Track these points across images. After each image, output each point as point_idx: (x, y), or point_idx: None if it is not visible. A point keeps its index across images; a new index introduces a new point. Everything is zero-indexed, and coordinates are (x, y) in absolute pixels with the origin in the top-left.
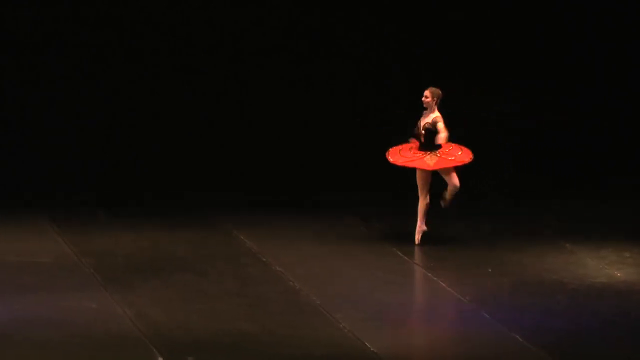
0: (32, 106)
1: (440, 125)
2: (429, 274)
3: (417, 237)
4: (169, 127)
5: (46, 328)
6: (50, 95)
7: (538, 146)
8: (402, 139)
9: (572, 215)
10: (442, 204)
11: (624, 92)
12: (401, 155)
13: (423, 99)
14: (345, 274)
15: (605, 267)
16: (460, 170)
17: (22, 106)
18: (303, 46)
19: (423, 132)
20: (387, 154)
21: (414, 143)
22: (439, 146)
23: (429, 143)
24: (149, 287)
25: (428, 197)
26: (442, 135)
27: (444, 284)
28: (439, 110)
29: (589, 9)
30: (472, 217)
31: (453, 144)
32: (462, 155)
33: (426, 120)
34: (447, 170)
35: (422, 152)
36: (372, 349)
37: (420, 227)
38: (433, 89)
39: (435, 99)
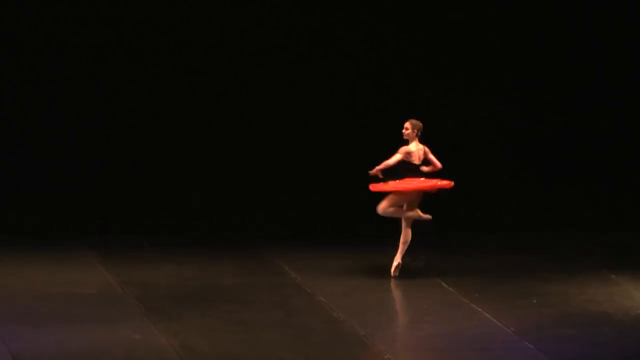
0: (32, 106)
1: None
2: (473, 305)
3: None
4: (169, 127)
5: (91, 359)
6: (50, 95)
7: (538, 146)
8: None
9: (614, 245)
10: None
11: (624, 92)
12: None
13: (403, 130)
14: (389, 304)
15: None
16: (459, 176)
17: (22, 106)
18: (303, 46)
19: (420, 164)
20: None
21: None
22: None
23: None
24: (193, 318)
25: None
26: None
27: (488, 315)
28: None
29: (589, 9)
30: (514, 248)
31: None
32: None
33: (416, 153)
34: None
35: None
36: None
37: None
38: (414, 121)
39: (415, 130)
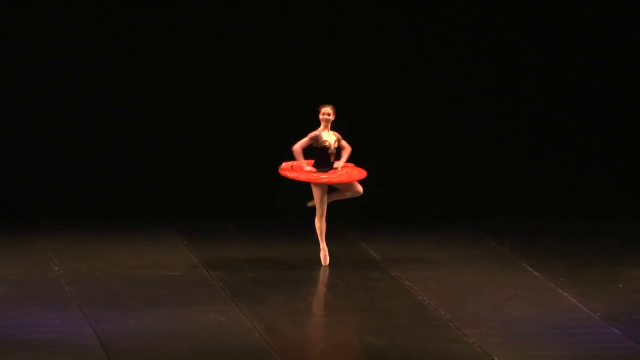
0: (32, 106)
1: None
2: (559, 289)
3: (325, 259)
4: (169, 127)
5: (175, 341)
6: (50, 95)
7: (538, 146)
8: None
9: None
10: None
11: (624, 92)
12: (314, 172)
13: (327, 116)
14: (475, 288)
15: None
16: (467, 174)
17: (22, 106)
18: (303, 46)
19: (334, 150)
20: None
21: (303, 163)
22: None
23: (332, 162)
24: (278, 301)
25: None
26: (348, 149)
27: (573, 300)
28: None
29: (588, 9)
30: (600, 234)
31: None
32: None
33: (329, 138)
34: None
35: (329, 170)
36: None
37: (324, 248)
38: (333, 107)
39: (334, 116)
